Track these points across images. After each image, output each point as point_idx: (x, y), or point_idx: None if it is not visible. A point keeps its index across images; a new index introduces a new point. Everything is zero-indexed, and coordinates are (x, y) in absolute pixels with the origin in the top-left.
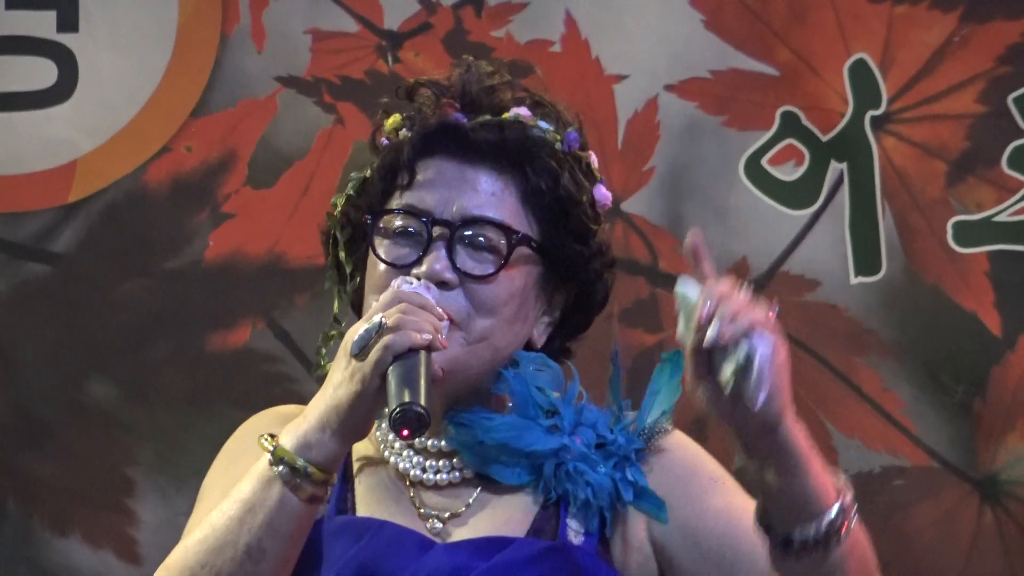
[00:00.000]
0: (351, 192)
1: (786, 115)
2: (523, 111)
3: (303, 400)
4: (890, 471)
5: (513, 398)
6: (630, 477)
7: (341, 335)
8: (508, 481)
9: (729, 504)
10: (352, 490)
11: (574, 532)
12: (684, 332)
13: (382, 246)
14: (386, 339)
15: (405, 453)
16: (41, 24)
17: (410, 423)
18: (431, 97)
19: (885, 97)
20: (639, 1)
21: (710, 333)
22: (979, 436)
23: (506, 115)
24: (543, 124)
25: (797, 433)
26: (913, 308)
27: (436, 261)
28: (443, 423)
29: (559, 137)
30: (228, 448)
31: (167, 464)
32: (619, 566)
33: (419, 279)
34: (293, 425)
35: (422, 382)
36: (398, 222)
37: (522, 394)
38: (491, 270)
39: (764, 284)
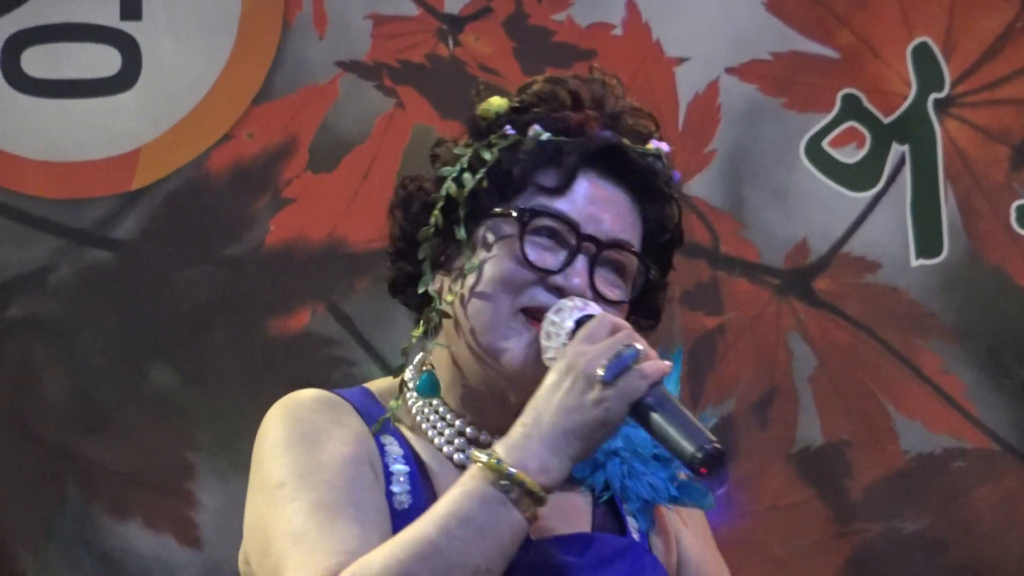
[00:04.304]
0: (477, 174)
1: (847, 97)
2: (664, 147)
3: (357, 381)
4: (951, 453)
5: None
6: (673, 476)
7: (437, 317)
8: (574, 474)
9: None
10: (433, 487)
11: (633, 529)
12: None
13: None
14: (645, 367)
15: (457, 442)
16: (104, 12)
17: (712, 463)
18: (566, 97)
19: (948, 80)
20: None
21: None
22: None
23: (650, 146)
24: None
25: None
26: (975, 290)
27: (578, 275)
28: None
29: (670, 174)
30: (298, 432)
31: (227, 448)
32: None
33: (583, 301)
34: (519, 447)
35: (693, 416)
36: (544, 223)
37: None
38: (623, 297)
39: (824, 266)
